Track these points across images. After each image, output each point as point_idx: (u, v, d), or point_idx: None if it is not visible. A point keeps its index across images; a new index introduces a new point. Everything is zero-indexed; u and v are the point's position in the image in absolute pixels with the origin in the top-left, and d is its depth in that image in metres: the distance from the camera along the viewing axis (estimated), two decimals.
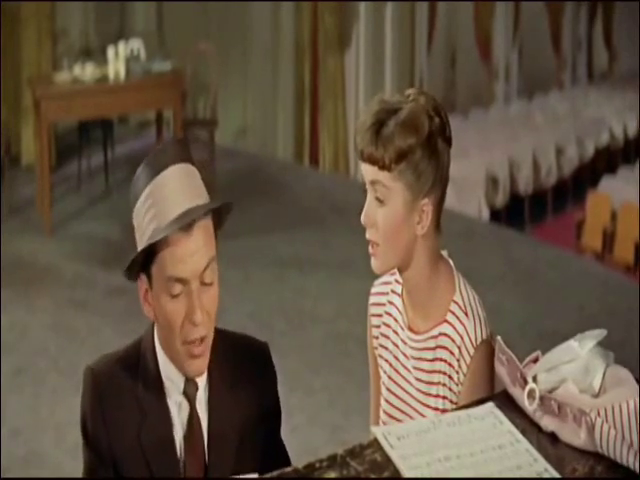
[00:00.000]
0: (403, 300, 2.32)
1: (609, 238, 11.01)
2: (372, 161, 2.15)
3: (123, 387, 2.13)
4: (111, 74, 8.43)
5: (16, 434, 5.50)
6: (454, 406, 2.20)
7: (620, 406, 1.73)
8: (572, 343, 1.87)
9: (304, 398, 5.85)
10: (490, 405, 1.86)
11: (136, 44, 8.59)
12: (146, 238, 2.05)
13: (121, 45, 8.51)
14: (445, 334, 2.22)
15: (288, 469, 1.70)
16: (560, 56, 17.25)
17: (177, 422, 2.13)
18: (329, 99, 12.22)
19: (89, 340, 6.54)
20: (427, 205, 2.17)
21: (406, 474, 1.66)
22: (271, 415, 2.26)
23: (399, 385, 2.34)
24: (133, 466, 2.11)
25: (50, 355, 6.38)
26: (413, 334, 2.28)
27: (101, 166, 9.52)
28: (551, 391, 1.83)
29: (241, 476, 1.95)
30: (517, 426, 1.80)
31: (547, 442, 1.77)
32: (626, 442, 1.69)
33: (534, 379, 1.85)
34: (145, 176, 2.08)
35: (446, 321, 2.23)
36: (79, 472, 5.22)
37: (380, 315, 2.39)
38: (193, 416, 2.13)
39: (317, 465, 1.70)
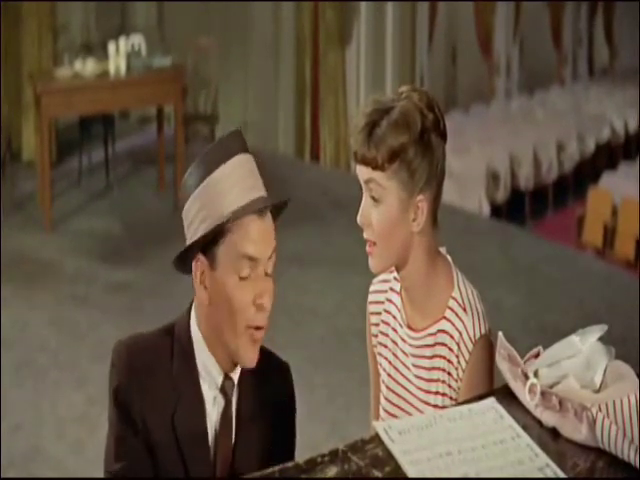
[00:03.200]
0: (402, 298, 2.32)
1: (610, 234, 11.01)
2: (365, 162, 2.16)
3: (157, 368, 2.10)
4: (112, 69, 8.43)
5: (17, 429, 5.51)
6: (454, 402, 2.20)
7: (621, 401, 1.73)
8: (573, 338, 1.87)
9: (305, 393, 5.81)
10: (491, 400, 1.86)
11: (137, 39, 8.58)
12: (216, 217, 2.05)
13: (122, 40, 8.50)
14: (444, 331, 2.22)
15: (289, 464, 1.70)
16: (561, 52, 17.25)
17: (210, 415, 2.12)
18: (330, 94, 12.22)
19: (90, 335, 6.54)
20: (422, 202, 2.17)
21: (407, 469, 1.67)
22: (288, 435, 2.25)
23: (399, 383, 2.34)
24: (165, 446, 2.08)
25: (51, 350, 6.38)
26: (412, 332, 2.28)
27: (102, 162, 9.52)
28: (552, 386, 1.83)
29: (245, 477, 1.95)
30: (518, 421, 1.80)
31: (548, 437, 1.77)
32: (627, 437, 1.69)
33: (535, 374, 1.85)
34: (212, 161, 2.09)
35: (444, 318, 2.22)
36: (80, 467, 5.22)
37: (379, 313, 2.39)
38: (227, 413, 2.12)
39: (318, 460, 1.70)
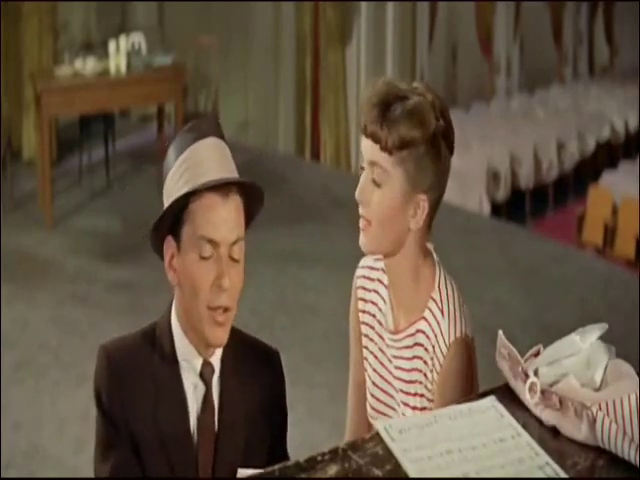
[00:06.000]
0: (390, 294, 2.30)
1: (610, 232, 11.02)
2: (375, 139, 2.13)
3: (138, 365, 2.13)
4: (112, 68, 8.42)
5: (17, 428, 5.51)
6: (432, 404, 2.20)
7: (621, 400, 1.73)
8: (573, 337, 1.87)
9: (305, 392, 5.85)
10: (491, 399, 1.86)
11: (137, 38, 8.58)
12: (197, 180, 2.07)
13: (122, 39, 8.50)
14: (421, 331, 2.21)
15: (290, 463, 1.70)
16: (561, 50, 17.25)
17: (192, 403, 2.14)
18: (330, 93, 12.22)
19: (90, 334, 6.54)
20: (424, 201, 2.15)
21: (407, 467, 1.67)
22: (277, 419, 2.26)
23: (384, 378, 2.33)
24: (148, 443, 2.11)
25: (51, 349, 6.38)
26: (393, 335, 2.27)
27: (102, 160, 9.52)
28: (552, 385, 1.83)
29: (244, 470, 1.95)
30: (518, 420, 1.80)
31: (548, 436, 1.77)
32: (627, 436, 1.69)
33: (535, 373, 1.85)
34: (183, 141, 2.10)
35: (423, 318, 2.22)
36: (80, 466, 5.21)
37: (367, 301, 2.37)
38: (208, 399, 2.14)
39: (319, 459, 1.70)
